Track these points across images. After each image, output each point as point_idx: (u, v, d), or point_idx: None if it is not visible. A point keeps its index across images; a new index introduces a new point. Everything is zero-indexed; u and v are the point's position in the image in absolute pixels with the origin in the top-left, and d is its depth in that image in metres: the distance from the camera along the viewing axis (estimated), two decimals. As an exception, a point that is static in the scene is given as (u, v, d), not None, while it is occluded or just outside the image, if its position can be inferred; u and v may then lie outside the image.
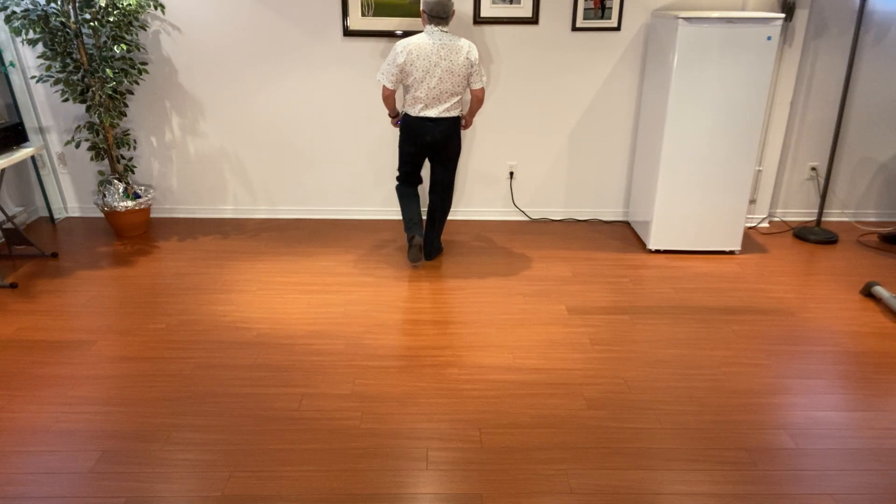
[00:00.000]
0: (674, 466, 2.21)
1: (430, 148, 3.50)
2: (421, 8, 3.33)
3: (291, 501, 2.05)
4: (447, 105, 3.38)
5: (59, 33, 3.67)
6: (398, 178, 3.69)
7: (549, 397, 2.57)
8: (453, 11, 3.33)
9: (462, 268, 3.72)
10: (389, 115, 3.61)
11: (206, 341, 2.96)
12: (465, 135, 4.29)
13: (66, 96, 3.78)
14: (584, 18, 3.96)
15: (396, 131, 4.25)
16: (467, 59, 3.30)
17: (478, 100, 3.48)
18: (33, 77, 3.87)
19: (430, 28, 3.31)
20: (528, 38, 4.03)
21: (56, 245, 4.03)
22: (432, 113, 3.39)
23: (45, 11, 3.59)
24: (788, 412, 2.49)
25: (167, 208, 4.50)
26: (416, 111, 3.40)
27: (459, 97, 3.41)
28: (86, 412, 2.46)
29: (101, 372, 2.72)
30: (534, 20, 3.97)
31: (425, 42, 3.28)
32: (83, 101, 3.81)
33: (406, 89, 3.40)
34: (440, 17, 3.28)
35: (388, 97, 3.43)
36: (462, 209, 4.49)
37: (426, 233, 3.75)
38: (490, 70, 4.11)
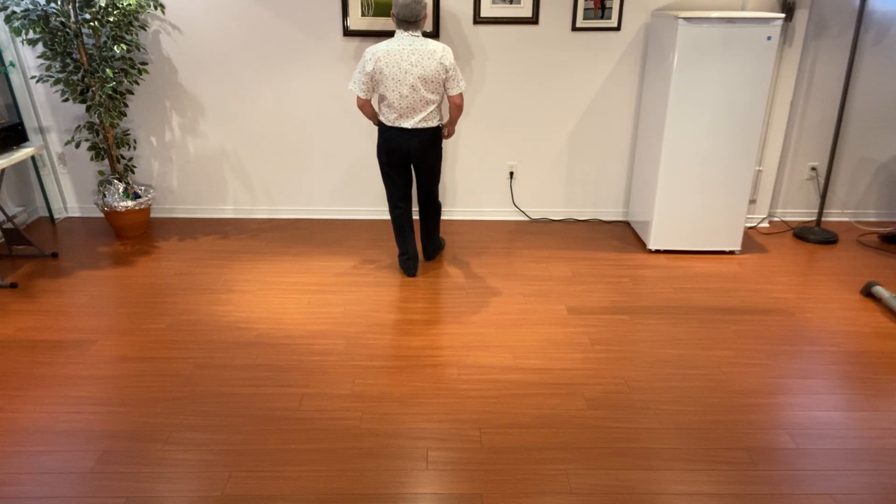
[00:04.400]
0: (674, 466, 2.21)
1: (407, 160, 3.34)
2: (391, 11, 3.12)
3: (291, 501, 2.05)
4: (423, 114, 3.19)
5: (59, 33, 3.67)
6: (388, 200, 3.51)
7: (549, 397, 2.57)
8: (425, 15, 3.13)
9: (462, 268, 3.72)
10: (375, 124, 3.47)
11: (206, 341, 2.96)
12: (466, 134, 4.28)
13: (66, 96, 3.78)
14: (584, 18, 3.96)
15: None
16: (441, 64, 3.09)
17: (456, 107, 3.27)
18: (33, 77, 3.86)
19: (399, 33, 3.12)
20: (528, 38, 4.03)
21: (56, 245, 4.03)
22: (407, 124, 3.20)
23: (45, 11, 3.59)
24: (788, 412, 2.49)
25: (167, 208, 4.50)
26: (390, 121, 3.23)
27: (436, 105, 3.21)
28: (86, 412, 2.46)
29: (101, 372, 2.72)
30: (534, 20, 3.97)
31: (395, 48, 3.08)
32: (83, 101, 3.81)
33: (380, 98, 3.22)
34: (409, 20, 3.07)
35: (363, 106, 3.25)
36: (462, 209, 4.49)
37: (422, 239, 3.71)
38: (490, 70, 4.11)
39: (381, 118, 3.25)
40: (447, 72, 3.13)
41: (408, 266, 3.57)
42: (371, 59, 3.09)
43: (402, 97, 3.13)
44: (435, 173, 3.45)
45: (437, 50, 3.09)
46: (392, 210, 3.52)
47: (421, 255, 3.85)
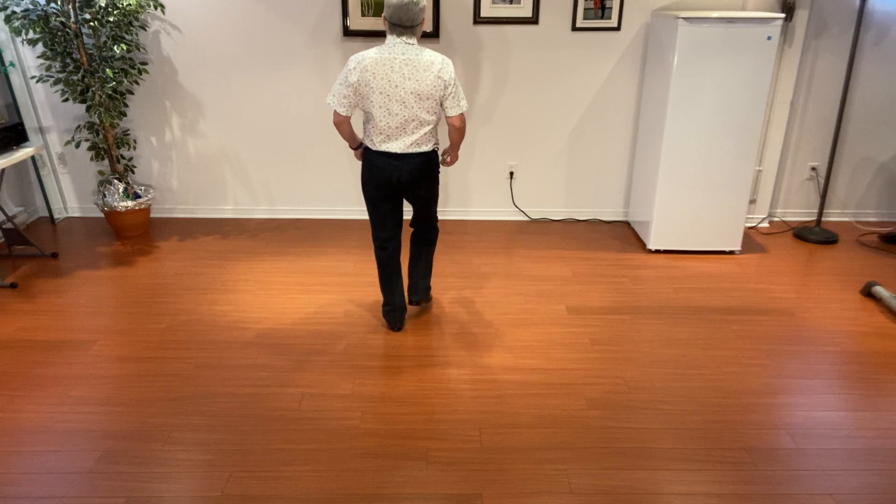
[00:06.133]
0: (674, 466, 2.21)
1: (397, 191, 2.82)
2: (382, 14, 2.64)
3: (291, 501, 2.05)
4: (415, 137, 2.70)
5: (59, 33, 3.67)
6: (373, 238, 2.98)
7: (549, 397, 2.57)
8: (423, 20, 2.64)
9: (462, 268, 3.72)
10: (351, 147, 2.92)
11: (206, 341, 2.96)
12: (466, 133, 4.28)
13: (66, 96, 3.79)
14: (584, 18, 3.96)
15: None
16: (439, 77, 2.61)
17: (456, 129, 2.76)
18: (33, 77, 3.87)
19: (391, 39, 2.62)
20: (528, 38, 4.03)
21: (56, 245, 4.03)
22: (396, 147, 2.70)
23: (45, 11, 3.59)
24: (788, 412, 2.49)
25: (167, 208, 4.50)
26: (376, 144, 2.72)
27: (431, 126, 2.72)
28: (86, 412, 2.46)
29: (101, 372, 2.72)
30: (534, 20, 3.98)
31: (385, 56, 2.59)
32: (83, 101, 3.81)
33: (365, 116, 2.73)
34: (404, 25, 2.58)
35: (341, 124, 2.72)
36: (462, 209, 4.49)
37: (409, 275, 3.14)
38: (490, 70, 4.11)
39: (366, 141, 2.78)
40: (446, 88, 2.65)
41: (393, 318, 3.02)
42: (356, 69, 2.60)
43: (390, 115, 2.65)
44: (430, 203, 2.95)
45: (436, 61, 2.62)
46: (377, 250, 2.97)
47: (406, 296, 3.23)
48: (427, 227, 3.05)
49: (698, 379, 2.70)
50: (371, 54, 2.61)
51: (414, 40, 2.65)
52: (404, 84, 2.61)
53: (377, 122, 2.68)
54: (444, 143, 4.23)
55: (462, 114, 2.74)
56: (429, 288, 3.18)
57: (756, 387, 2.65)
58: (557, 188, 4.42)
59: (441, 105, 2.70)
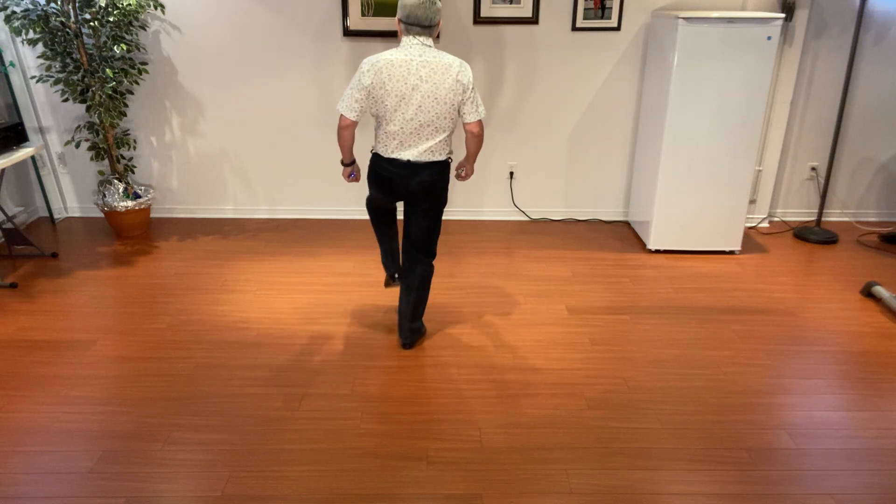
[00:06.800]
0: (674, 466, 2.21)
1: (402, 199, 2.71)
2: (396, 15, 2.51)
3: (291, 501, 2.05)
4: (429, 144, 2.56)
5: (59, 33, 3.67)
6: (367, 200, 2.87)
7: (549, 397, 2.57)
8: (440, 20, 2.53)
9: (462, 268, 3.72)
10: (342, 162, 2.79)
11: (206, 341, 2.96)
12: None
13: (66, 96, 3.78)
14: (584, 18, 3.96)
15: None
16: (457, 81, 2.49)
17: (474, 136, 2.63)
18: (33, 77, 3.87)
19: (407, 40, 2.50)
20: (528, 38, 4.03)
21: (56, 245, 4.03)
22: (409, 155, 2.57)
23: (45, 11, 3.59)
24: (788, 412, 2.49)
25: (167, 208, 4.50)
26: (388, 151, 2.59)
27: (447, 134, 2.58)
28: (86, 412, 2.46)
29: (101, 372, 2.72)
30: (534, 20, 3.97)
31: (400, 58, 2.47)
32: (83, 101, 3.81)
33: (377, 122, 2.60)
34: (421, 25, 2.47)
35: (345, 129, 2.58)
36: (462, 209, 4.49)
37: (400, 308, 2.89)
38: (490, 70, 4.11)
39: (378, 147, 2.64)
40: (465, 92, 2.52)
41: (388, 265, 3.01)
42: (370, 71, 2.47)
43: (406, 120, 2.51)
44: (433, 222, 2.74)
45: (454, 64, 2.49)
46: (373, 207, 2.88)
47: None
48: (420, 257, 2.79)
49: (698, 379, 2.70)
50: (386, 56, 2.49)
51: (430, 42, 2.53)
52: (421, 87, 2.48)
53: (391, 127, 2.54)
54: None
55: (480, 120, 2.60)
56: (420, 329, 2.93)
57: (756, 387, 2.65)
58: (557, 188, 4.42)
59: (458, 111, 2.57)
